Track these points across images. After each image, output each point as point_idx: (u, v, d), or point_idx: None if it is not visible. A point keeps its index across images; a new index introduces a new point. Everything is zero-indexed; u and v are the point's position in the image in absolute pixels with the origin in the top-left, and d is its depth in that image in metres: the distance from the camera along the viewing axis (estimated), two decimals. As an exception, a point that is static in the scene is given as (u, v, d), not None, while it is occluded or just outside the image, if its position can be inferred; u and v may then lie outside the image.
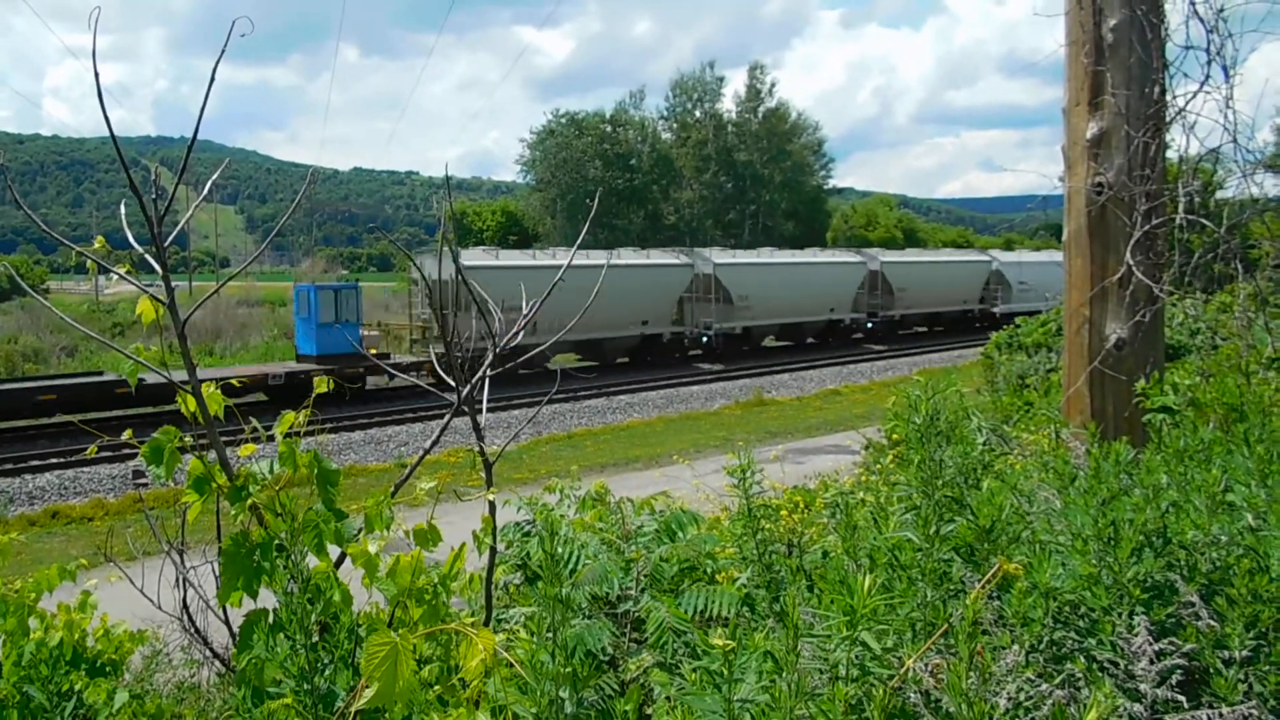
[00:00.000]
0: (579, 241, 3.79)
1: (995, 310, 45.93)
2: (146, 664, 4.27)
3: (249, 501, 2.69)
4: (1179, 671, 1.94)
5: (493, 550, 3.06)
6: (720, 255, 37.86)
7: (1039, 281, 45.74)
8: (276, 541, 2.61)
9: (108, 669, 3.27)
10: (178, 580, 3.42)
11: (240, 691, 2.40)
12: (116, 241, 2.88)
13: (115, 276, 2.76)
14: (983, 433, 3.21)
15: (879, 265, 42.26)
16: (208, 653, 3.61)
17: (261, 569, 2.60)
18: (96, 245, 2.81)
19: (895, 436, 6.50)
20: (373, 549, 2.72)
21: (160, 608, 3.65)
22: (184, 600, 3.47)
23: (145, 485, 16.57)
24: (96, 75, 2.41)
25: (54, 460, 18.84)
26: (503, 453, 3.22)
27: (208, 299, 3.58)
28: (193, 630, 3.54)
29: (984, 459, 2.88)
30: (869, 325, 42.75)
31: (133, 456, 18.05)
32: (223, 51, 2.54)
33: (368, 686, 2.03)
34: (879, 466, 6.62)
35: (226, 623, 3.09)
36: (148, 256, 2.61)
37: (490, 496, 3.02)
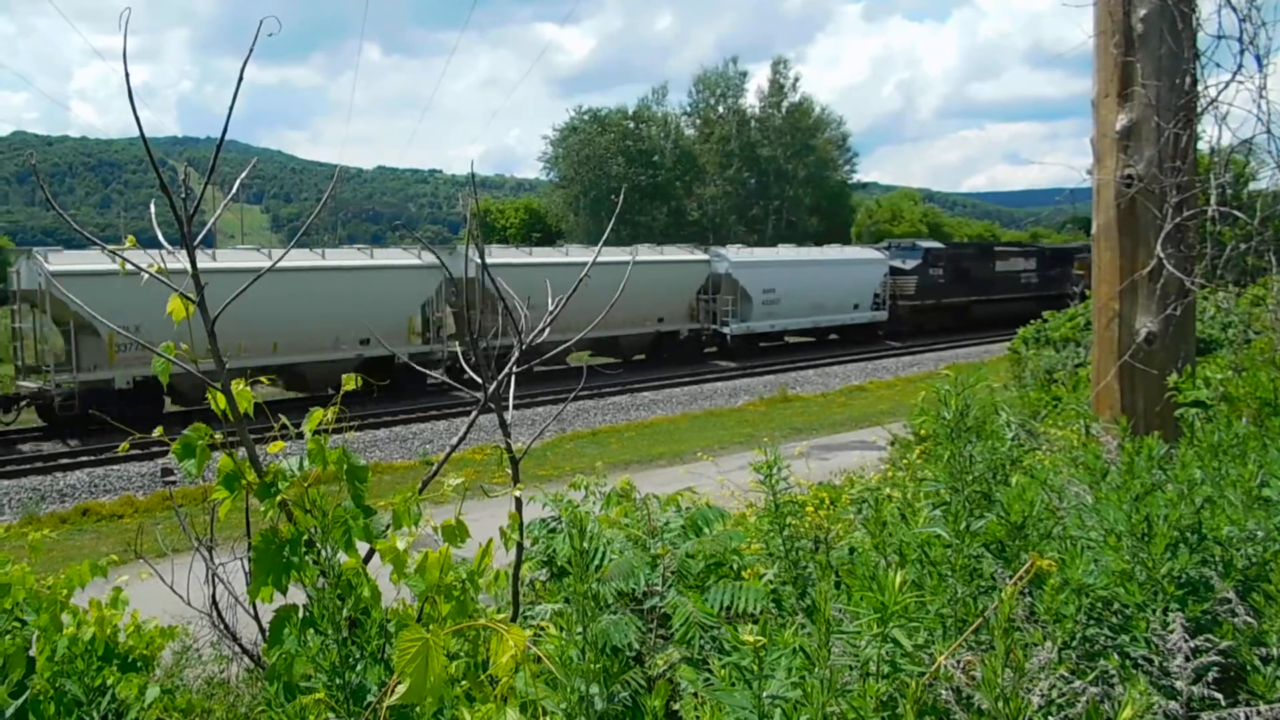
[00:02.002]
0: (604, 238, 3.80)
1: (726, 331, 33.87)
2: (177, 659, 4.32)
3: (278, 498, 2.71)
4: (1215, 669, 1.92)
5: (519, 546, 3.07)
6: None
7: (795, 290, 35.64)
8: (306, 537, 2.62)
9: (139, 664, 3.30)
10: (207, 576, 3.45)
11: (272, 687, 2.42)
12: (145, 241, 2.90)
13: (144, 276, 2.78)
14: (1011, 428, 3.18)
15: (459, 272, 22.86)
16: (237, 648, 3.64)
17: (291, 565, 2.61)
18: (128, 245, 2.84)
19: (923, 431, 6.46)
20: (401, 545, 2.73)
21: (190, 604, 3.68)
22: (213, 596, 3.50)
23: (174, 483, 16.74)
24: (127, 76, 2.43)
25: (84, 458, 19.05)
26: (528, 449, 3.22)
27: (237, 296, 3.60)
28: (222, 626, 3.57)
29: (1013, 454, 2.86)
30: (443, 369, 24.86)
31: (161, 454, 18.24)
32: (250, 51, 2.55)
33: (399, 683, 2.04)
34: (906, 462, 6.59)
35: (256, 619, 3.11)
36: (178, 255, 2.63)
37: (517, 493, 3.02)
